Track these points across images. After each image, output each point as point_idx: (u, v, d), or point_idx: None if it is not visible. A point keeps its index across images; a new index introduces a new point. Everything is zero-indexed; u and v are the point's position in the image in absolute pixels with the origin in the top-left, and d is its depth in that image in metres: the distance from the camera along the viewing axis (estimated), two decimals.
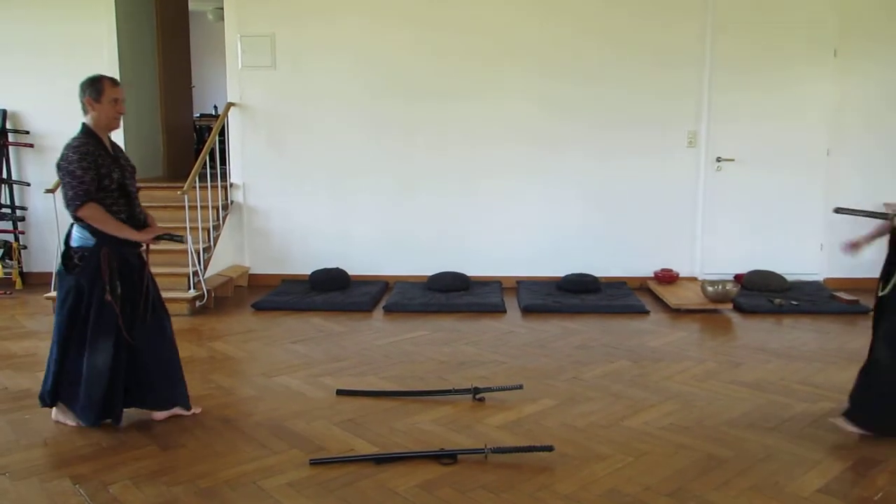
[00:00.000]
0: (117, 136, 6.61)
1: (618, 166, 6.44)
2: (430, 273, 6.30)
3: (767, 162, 6.39)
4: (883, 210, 3.23)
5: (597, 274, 6.25)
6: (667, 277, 6.29)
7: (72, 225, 3.36)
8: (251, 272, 6.70)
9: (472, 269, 6.39)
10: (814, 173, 6.38)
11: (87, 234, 3.31)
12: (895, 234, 3.31)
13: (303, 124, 6.56)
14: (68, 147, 3.33)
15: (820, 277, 6.42)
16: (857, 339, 4.88)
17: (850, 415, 3.33)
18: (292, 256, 6.64)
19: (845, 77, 6.26)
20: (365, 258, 6.60)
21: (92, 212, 3.26)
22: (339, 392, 3.85)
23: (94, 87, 3.35)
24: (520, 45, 6.34)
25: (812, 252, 6.47)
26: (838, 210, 3.61)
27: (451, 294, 6.02)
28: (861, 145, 6.35)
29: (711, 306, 5.62)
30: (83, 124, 3.40)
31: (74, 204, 3.24)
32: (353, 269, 6.47)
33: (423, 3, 6.35)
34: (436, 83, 6.42)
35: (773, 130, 6.31)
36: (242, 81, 6.54)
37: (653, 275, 6.41)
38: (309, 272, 6.39)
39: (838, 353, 4.58)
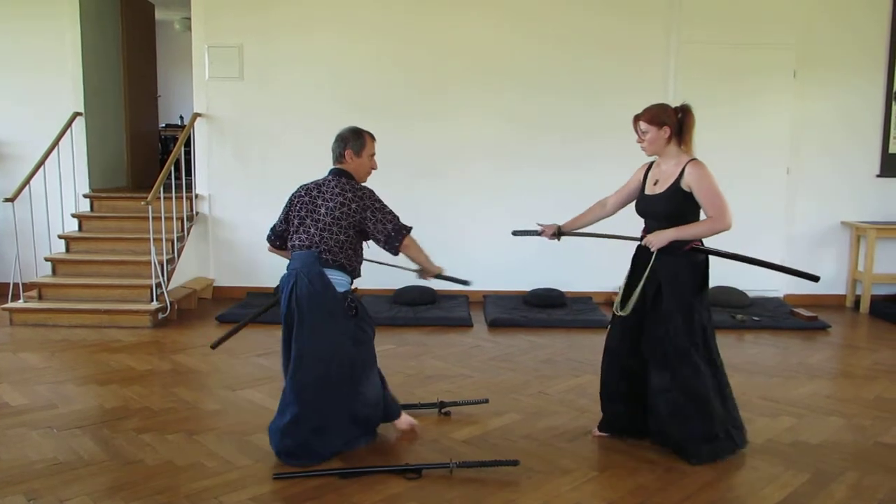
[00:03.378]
0: (79, 144, 6.54)
1: (584, 182, 6.47)
2: (396, 287, 6.29)
3: (729, 180, 6.39)
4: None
5: (563, 289, 6.30)
6: None
7: (318, 268, 3.17)
8: (216, 284, 6.61)
9: (439, 283, 6.38)
10: (774, 192, 6.53)
11: (347, 279, 3.25)
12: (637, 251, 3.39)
13: (270, 136, 6.52)
14: (357, 189, 3.25)
15: (780, 294, 6.55)
16: (815, 354, 5.00)
17: None
18: (258, 269, 6.57)
19: (804, 98, 6.44)
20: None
21: (412, 241, 3.28)
22: None
23: (358, 142, 3.36)
24: (487, 60, 6.40)
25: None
26: (516, 233, 3.89)
27: (417, 308, 6.01)
28: (819, 165, 6.51)
29: None
30: (342, 170, 3.34)
31: (402, 235, 3.21)
32: None
33: (392, 19, 6.38)
34: (404, 98, 6.44)
35: (735, 149, 6.43)
36: (209, 92, 6.48)
37: (618, 290, 6.47)
38: (274, 285, 6.31)
39: (798, 368, 4.67)
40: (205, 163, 6.58)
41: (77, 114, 6.54)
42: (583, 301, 6.35)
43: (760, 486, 2.99)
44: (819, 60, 6.39)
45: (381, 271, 6.41)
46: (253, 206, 6.55)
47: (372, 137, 3.42)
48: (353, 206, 3.20)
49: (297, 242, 3.28)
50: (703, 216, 3.24)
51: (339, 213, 3.19)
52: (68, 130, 6.37)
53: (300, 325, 3.15)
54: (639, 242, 3.35)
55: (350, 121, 6.36)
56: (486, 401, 3.86)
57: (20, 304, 5.63)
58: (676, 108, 3.29)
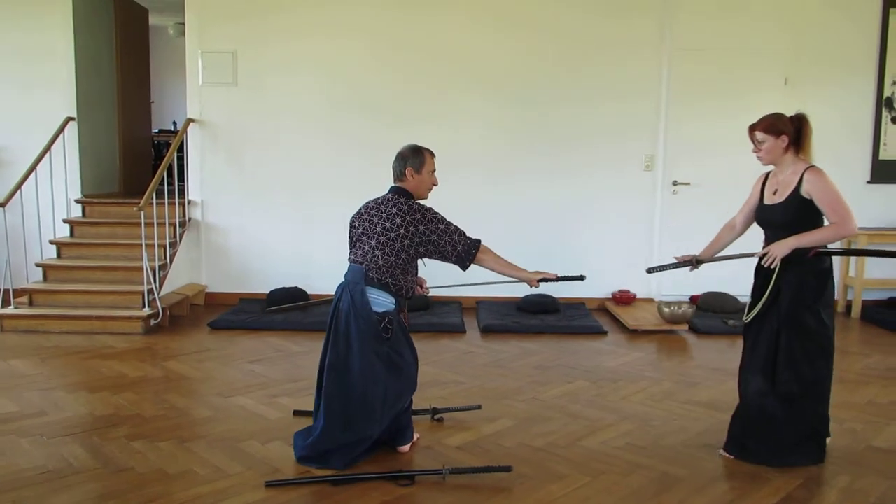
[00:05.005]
0: (71, 149, 6.52)
1: (576, 188, 6.53)
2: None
3: (721, 185, 6.53)
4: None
5: (556, 295, 6.31)
6: (624, 298, 6.38)
7: (362, 286, 3.18)
8: (208, 290, 6.59)
9: (432, 289, 6.38)
10: None
11: (390, 299, 3.22)
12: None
13: (263, 142, 6.52)
14: (417, 209, 3.23)
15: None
16: None
17: None
18: (250, 275, 6.56)
19: (795, 104, 6.34)
20: (325, 277, 6.52)
21: (485, 254, 3.26)
22: (297, 413, 3.80)
23: (418, 159, 3.34)
24: (480, 68, 6.42)
25: None
26: (651, 270, 3.81)
27: (410, 314, 5.99)
28: None
29: (668, 327, 5.71)
30: (401, 188, 3.34)
31: (472, 253, 3.22)
32: (313, 288, 6.42)
33: (385, 25, 6.39)
34: (397, 103, 6.45)
35: (727, 155, 6.46)
36: (203, 98, 6.48)
37: (611, 296, 6.49)
38: (267, 291, 6.32)
39: None
40: (198, 168, 6.57)
41: (69, 118, 6.52)
42: (575, 307, 6.35)
43: (753, 490, 2.99)
44: (810, 68, 6.43)
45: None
46: (246, 213, 6.55)
47: (431, 154, 3.41)
48: (413, 228, 3.18)
49: (351, 256, 3.34)
50: (825, 222, 3.21)
51: (394, 235, 3.18)
52: (61, 135, 6.36)
53: (335, 336, 3.18)
54: (762, 253, 3.29)
55: (342, 125, 6.44)
56: (479, 407, 3.86)
57: (11, 310, 5.59)
58: (792, 117, 3.29)
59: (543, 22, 6.39)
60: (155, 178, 5.83)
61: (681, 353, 5.22)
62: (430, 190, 3.42)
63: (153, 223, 5.79)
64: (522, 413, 3.88)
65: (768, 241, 3.33)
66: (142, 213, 5.54)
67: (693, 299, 6.35)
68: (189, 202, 6.55)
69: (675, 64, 6.39)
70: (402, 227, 3.18)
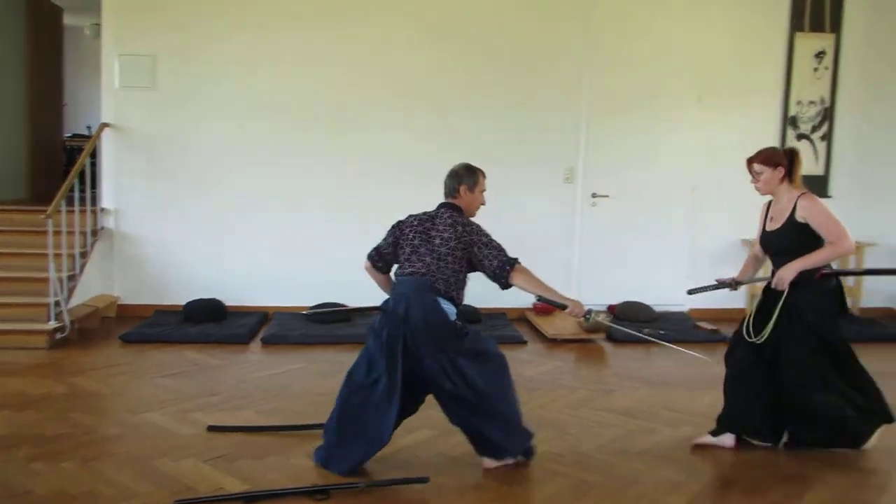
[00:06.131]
0: None
1: (498, 199, 6.52)
2: (311, 303, 6.19)
3: (638, 198, 6.75)
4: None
5: (477, 305, 6.32)
6: (544, 309, 6.48)
7: (432, 297, 3.22)
8: (120, 302, 6.35)
9: (355, 300, 6.32)
10: (680, 210, 6.80)
11: (454, 310, 3.28)
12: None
13: (182, 149, 6.35)
14: (467, 223, 3.36)
15: (685, 308, 6.80)
16: (717, 366, 5.18)
17: None
18: (166, 286, 6.36)
19: (708, 121, 6.74)
20: (244, 288, 6.41)
21: (520, 273, 3.29)
22: (211, 428, 3.70)
23: (473, 178, 3.46)
24: (407, 78, 6.43)
25: (678, 284, 6.83)
26: (692, 291, 4.03)
27: (332, 325, 5.94)
28: (722, 185, 6.80)
29: (586, 336, 5.83)
30: (453, 204, 3.45)
31: (507, 269, 3.28)
32: (231, 299, 6.28)
33: (310, 31, 6.32)
34: (322, 111, 6.39)
35: (644, 169, 6.69)
36: (119, 102, 6.26)
37: (531, 306, 6.59)
38: (183, 303, 6.14)
39: (700, 379, 4.84)
40: (112, 175, 6.33)
41: None
42: (497, 317, 6.41)
43: (663, 494, 3.09)
44: (721, 86, 6.71)
45: (296, 289, 6.35)
46: (162, 222, 6.35)
47: (484, 175, 3.52)
48: (467, 239, 3.30)
49: (408, 269, 3.31)
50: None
51: (453, 245, 3.28)
52: None
53: (413, 348, 3.16)
54: (766, 280, 3.59)
55: (265, 132, 6.33)
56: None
57: None
58: (785, 150, 3.57)
59: (469, 37, 6.45)
60: (65, 185, 5.60)
61: (598, 361, 5.34)
62: (479, 209, 3.54)
63: (62, 231, 5.54)
64: (441, 423, 3.85)
65: (774, 264, 3.59)
66: (49, 220, 5.30)
67: (611, 308, 6.51)
68: (102, 210, 6.31)
69: (595, 80, 6.57)
70: (455, 237, 3.29)
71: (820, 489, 3.17)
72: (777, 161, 3.48)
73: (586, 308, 3.33)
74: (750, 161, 3.56)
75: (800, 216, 3.42)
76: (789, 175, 3.51)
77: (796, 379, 3.48)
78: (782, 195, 3.53)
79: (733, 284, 3.71)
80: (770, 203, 3.67)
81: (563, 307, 3.32)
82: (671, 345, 4.16)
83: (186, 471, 3.20)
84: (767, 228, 3.61)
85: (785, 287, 3.43)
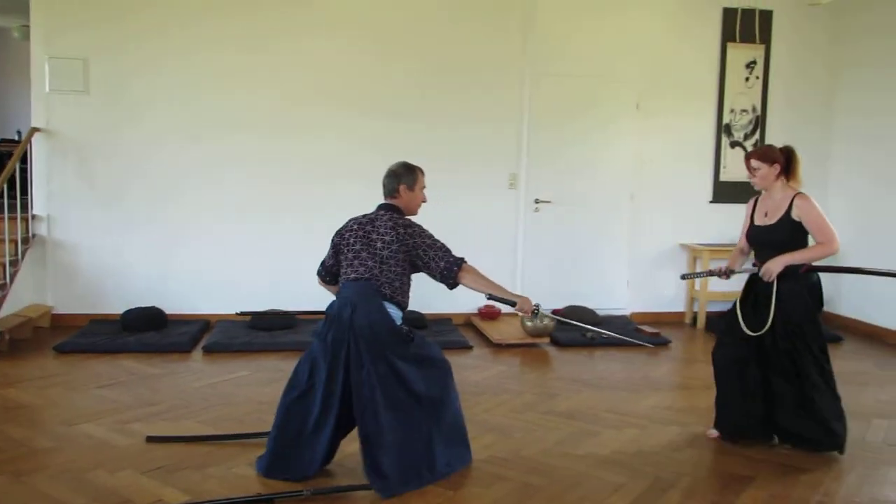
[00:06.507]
0: None
1: (442, 205, 6.57)
2: (254, 311, 6.10)
3: (580, 204, 6.86)
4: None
5: (423, 310, 6.34)
6: (490, 314, 6.53)
7: (378, 301, 3.17)
8: (54, 312, 6.13)
9: (298, 306, 6.27)
10: (620, 215, 6.94)
11: (399, 314, 3.25)
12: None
13: (118, 154, 6.17)
14: (408, 224, 3.30)
15: (627, 311, 6.95)
16: (658, 368, 5.33)
17: None
18: (103, 295, 6.17)
19: (646, 129, 6.91)
20: (184, 295, 6.27)
21: (468, 272, 3.25)
22: (150, 439, 3.61)
23: (412, 177, 3.41)
24: (352, 85, 6.39)
25: (619, 288, 7.00)
26: (685, 276, 4.37)
27: (275, 332, 5.86)
28: (659, 191, 6.99)
29: (531, 340, 5.90)
30: (391, 205, 3.39)
31: (454, 269, 3.23)
32: (172, 307, 6.13)
33: (253, 33, 6.22)
34: (262, 117, 6.30)
35: (585, 175, 6.81)
36: (50, 106, 6.06)
37: (477, 311, 6.63)
38: (121, 311, 5.97)
39: (642, 381, 4.95)
40: (44, 181, 6.12)
41: None
42: (442, 322, 6.43)
43: (605, 495, 3.14)
44: (659, 94, 6.88)
45: (238, 296, 6.24)
46: (98, 229, 6.16)
47: (422, 172, 3.50)
48: (408, 241, 3.26)
49: (352, 274, 3.24)
50: (810, 241, 3.64)
51: (395, 248, 3.23)
52: None
53: (356, 354, 3.10)
54: (755, 271, 3.71)
55: (204, 137, 6.21)
56: None
57: None
58: (782, 148, 3.73)
59: (413, 45, 6.46)
60: None
61: (542, 365, 5.41)
62: (420, 206, 3.50)
63: None
64: None
65: (759, 258, 3.73)
66: None
67: (555, 313, 6.58)
68: (34, 217, 6.09)
69: (535, 88, 6.66)
70: (397, 242, 3.24)
71: (757, 488, 3.27)
72: (773, 158, 3.66)
73: (534, 304, 3.36)
74: (748, 157, 3.73)
75: (795, 215, 3.60)
76: (786, 172, 3.69)
77: (786, 371, 3.63)
78: (777, 191, 3.70)
79: (725, 273, 3.84)
80: (757, 200, 3.84)
81: (513, 304, 3.34)
82: (616, 335, 4.42)
83: (124, 483, 3.11)
84: (758, 223, 3.76)
85: (773, 278, 3.59)
